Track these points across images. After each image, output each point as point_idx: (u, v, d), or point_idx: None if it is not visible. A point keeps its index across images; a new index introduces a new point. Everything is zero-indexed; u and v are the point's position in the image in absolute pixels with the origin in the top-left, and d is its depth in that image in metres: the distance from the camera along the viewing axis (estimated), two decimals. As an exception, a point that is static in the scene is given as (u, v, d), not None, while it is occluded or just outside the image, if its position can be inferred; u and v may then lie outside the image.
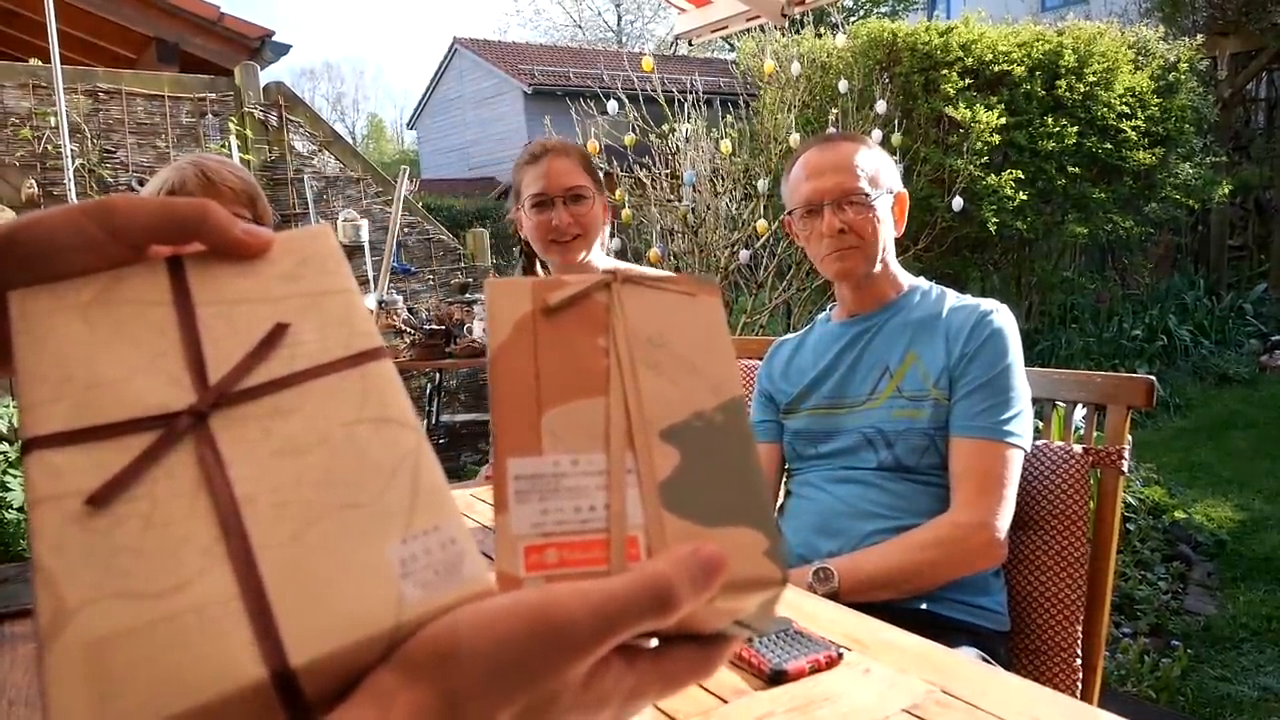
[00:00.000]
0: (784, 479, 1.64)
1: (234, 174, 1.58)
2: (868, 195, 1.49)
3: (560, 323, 0.39)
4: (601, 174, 1.93)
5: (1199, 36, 8.02)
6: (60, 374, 0.34)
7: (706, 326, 0.41)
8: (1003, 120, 6.13)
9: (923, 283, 1.58)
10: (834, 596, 1.33)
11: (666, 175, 4.67)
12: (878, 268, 1.53)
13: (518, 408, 0.37)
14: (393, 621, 0.31)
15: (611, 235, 3.30)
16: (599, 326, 0.40)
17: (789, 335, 1.74)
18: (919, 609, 1.35)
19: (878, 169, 1.53)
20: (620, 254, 4.68)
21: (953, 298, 1.53)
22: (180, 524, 0.31)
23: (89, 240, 0.36)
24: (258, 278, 0.38)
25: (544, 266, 1.92)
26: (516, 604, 0.31)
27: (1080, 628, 1.44)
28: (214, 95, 4.86)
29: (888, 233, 1.53)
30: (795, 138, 4.34)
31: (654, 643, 0.36)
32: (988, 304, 1.49)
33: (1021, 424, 1.40)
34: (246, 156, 4.83)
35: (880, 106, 4.56)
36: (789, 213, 1.59)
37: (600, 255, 1.90)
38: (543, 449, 0.37)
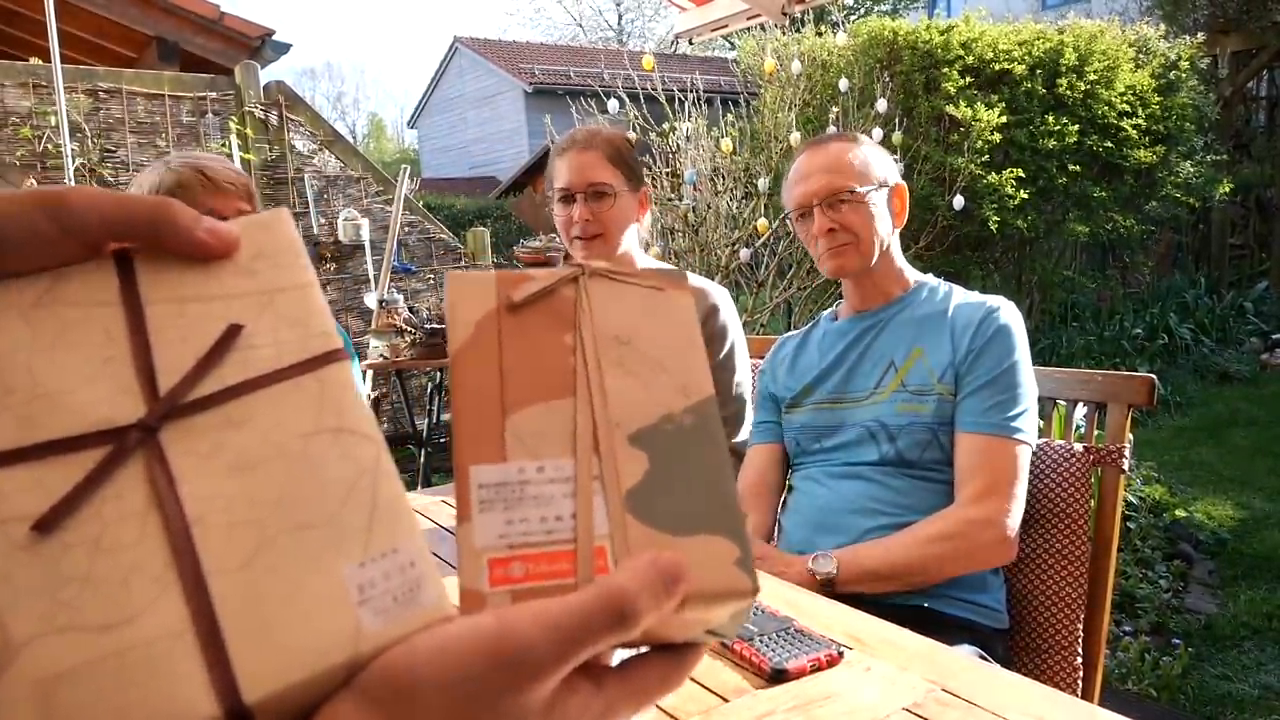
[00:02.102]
0: (788, 475, 1.64)
1: (232, 170, 1.60)
2: (855, 192, 1.49)
3: (525, 319, 0.38)
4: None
5: (1200, 35, 8.02)
6: (1, 385, 0.31)
7: (677, 324, 0.39)
8: (1003, 119, 6.12)
9: (930, 279, 1.58)
10: (830, 583, 1.33)
11: (667, 174, 4.67)
12: (877, 263, 1.53)
13: (480, 412, 0.36)
14: (350, 653, 0.30)
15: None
16: (566, 323, 0.38)
17: (792, 332, 1.74)
18: (918, 606, 1.36)
19: (868, 164, 1.52)
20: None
21: (959, 294, 1.53)
22: (130, 550, 0.30)
23: (39, 235, 0.33)
24: (210, 272, 0.35)
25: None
26: (474, 631, 0.30)
27: (1081, 626, 1.44)
28: (214, 94, 4.86)
29: (885, 227, 1.52)
30: (796, 136, 4.34)
31: (620, 656, 0.35)
32: (994, 300, 1.49)
33: (1028, 421, 1.40)
34: (247, 156, 4.83)
35: (881, 105, 4.55)
36: (786, 216, 1.61)
37: (638, 251, 1.81)
38: (507, 455, 0.35)
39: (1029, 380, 1.43)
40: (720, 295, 1.77)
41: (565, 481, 0.35)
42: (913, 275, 1.59)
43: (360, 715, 0.29)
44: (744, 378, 1.78)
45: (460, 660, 0.30)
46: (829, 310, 1.68)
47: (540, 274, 0.39)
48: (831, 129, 4.45)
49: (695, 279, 1.80)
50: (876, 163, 1.54)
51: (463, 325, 0.38)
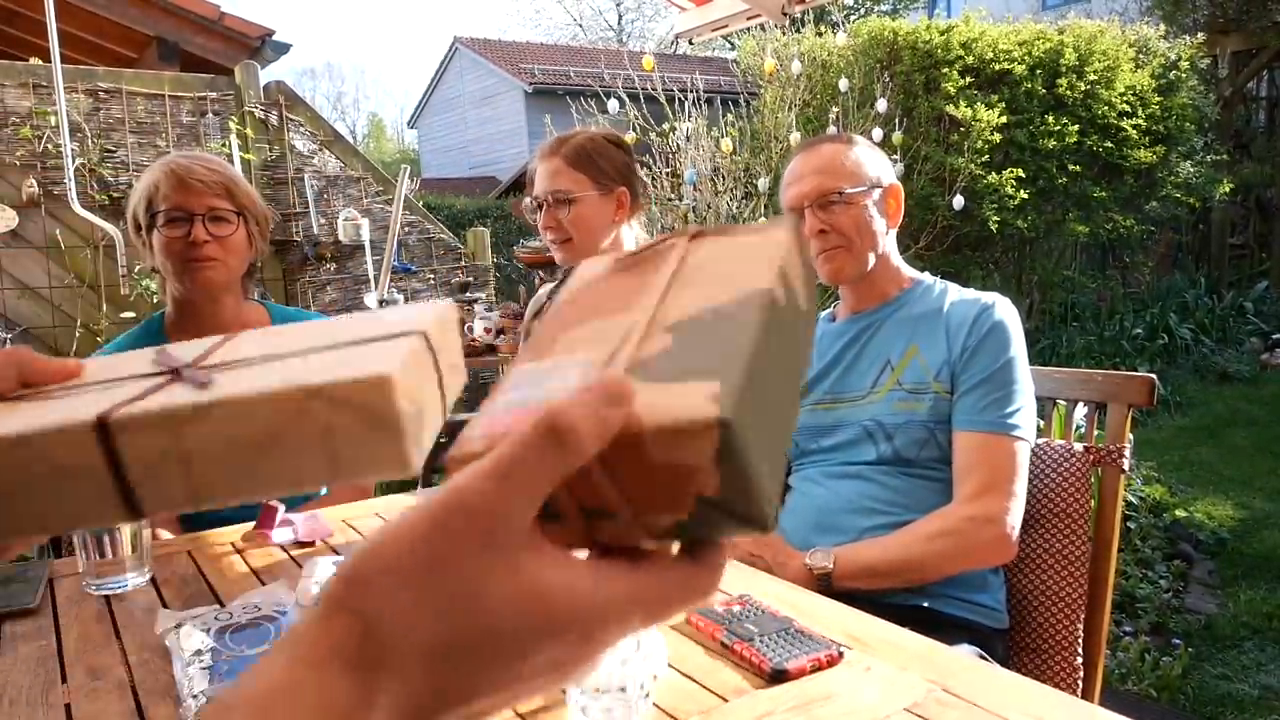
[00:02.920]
0: (787, 477, 1.64)
1: (205, 167, 1.60)
2: (845, 194, 1.49)
3: (626, 275, 0.41)
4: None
5: (1200, 35, 8.02)
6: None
7: (760, 252, 0.39)
8: (1003, 119, 6.12)
9: (925, 277, 1.58)
10: (827, 578, 1.33)
11: (667, 174, 4.67)
12: (873, 264, 1.53)
13: (547, 336, 0.38)
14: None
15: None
16: (659, 268, 0.40)
17: None
18: (918, 606, 1.35)
19: (860, 165, 1.51)
20: (621, 253, 4.67)
21: (955, 292, 1.52)
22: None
23: None
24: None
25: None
26: (418, 508, 0.29)
27: (1081, 626, 1.44)
28: (214, 94, 4.86)
29: (878, 228, 1.52)
30: (796, 136, 4.34)
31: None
32: (989, 297, 1.48)
33: (1025, 417, 1.40)
34: (247, 156, 4.83)
35: (881, 105, 4.55)
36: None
37: (628, 248, 1.84)
38: (546, 355, 0.36)
39: (1025, 377, 1.43)
40: None
41: (586, 365, 0.34)
42: (909, 274, 1.59)
43: (320, 618, 0.29)
44: None
45: (406, 536, 0.29)
46: (827, 311, 1.68)
47: (651, 240, 0.43)
48: (831, 129, 4.45)
49: None
50: (870, 164, 1.53)
51: (569, 287, 0.42)
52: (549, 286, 1.97)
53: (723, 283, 0.37)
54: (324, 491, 1.76)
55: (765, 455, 0.32)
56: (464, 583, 0.29)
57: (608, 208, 1.78)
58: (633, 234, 1.85)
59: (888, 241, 1.55)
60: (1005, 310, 1.46)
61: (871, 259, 1.53)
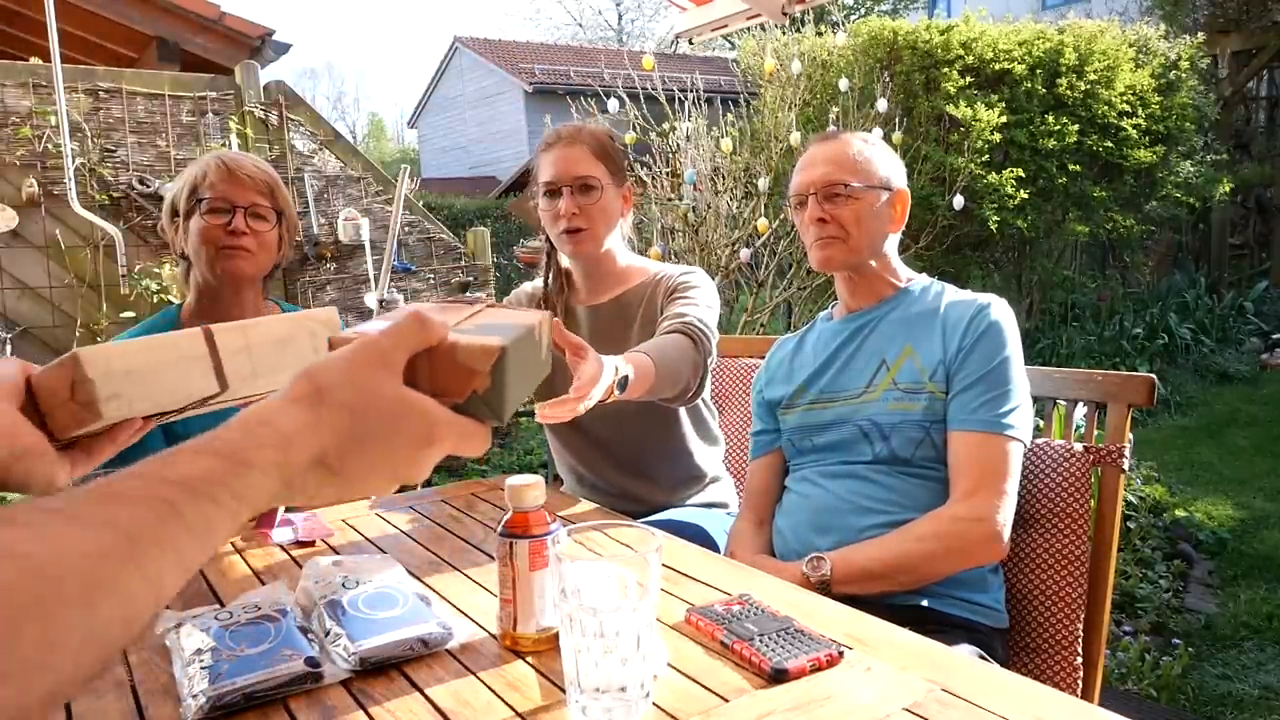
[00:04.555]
0: (785, 477, 1.64)
1: (253, 164, 1.67)
2: (850, 186, 1.49)
3: (455, 304, 0.75)
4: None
5: (1200, 34, 8.01)
6: None
7: (532, 316, 0.72)
8: (1003, 118, 6.12)
9: (923, 278, 1.58)
10: (826, 584, 1.33)
11: (667, 174, 4.66)
12: (871, 262, 1.53)
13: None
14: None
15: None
16: (472, 305, 0.75)
17: (788, 335, 1.74)
18: (918, 606, 1.35)
19: (871, 163, 1.52)
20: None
21: (951, 293, 1.53)
22: None
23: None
24: None
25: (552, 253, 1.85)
26: (348, 345, 0.59)
27: (1081, 626, 1.44)
28: (214, 94, 4.86)
29: (878, 228, 1.52)
30: (796, 136, 4.34)
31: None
32: (985, 298, 1.48)
33: (1020, 417, 1.40)
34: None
35: (881, 105, 4.55)
36: (786, 214, 1.61)
37: (620, 248, 1.81)
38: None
39: (1020, 376, 1.43)
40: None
41: None
42: (906, 275, 1.59)
43: (294, 385, 0.56)
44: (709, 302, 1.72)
45: (339, 355, 0.58)
46: (825, 311, 1.68)
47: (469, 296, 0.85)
48: (832, 129, 4.45)
49: (678, 267, 1.79)
50: (882, 164, 1.53)
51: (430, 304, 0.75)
52: (529, 285, 1.93)
53: (508, 317, 0.68)
54: None
55: (515, 382, 0.62)
56: (367, 379, 0.56)
57: (620, 201, 1.76)
58: (622, 230, 1.82)
59: (889, 244, 1.55)
60: (1001, 311, 1.46)
61: (868, 256, 1.53)
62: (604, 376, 1.26)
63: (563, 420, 1.23)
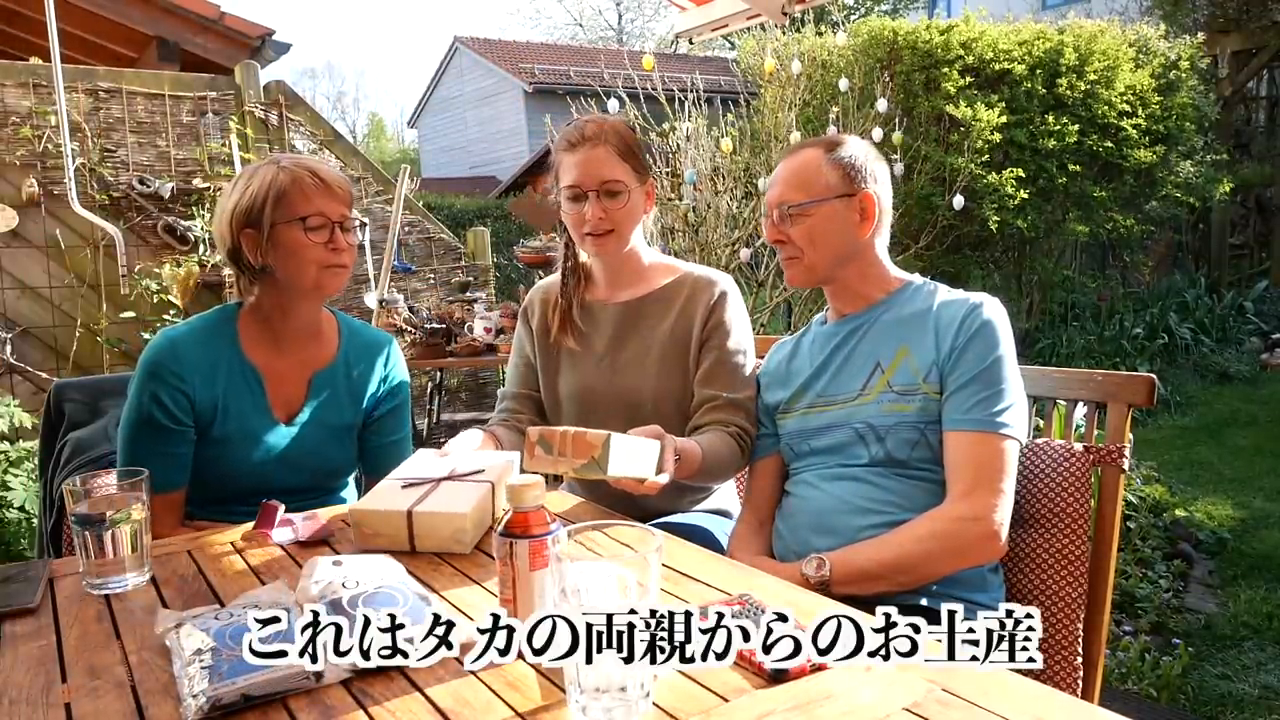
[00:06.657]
0: (784, 480, 1.64)
1: (339, 175, 1.64)
2: (800, 205, 1.49)
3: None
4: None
5: (1200, 34, 8.01)
6: None
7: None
8: (1003, 118, 6.11)
9: (916, 278, 1.58)
10: (825, 586, 1.33)
11: (667, 174, 4.66)
12: (844, 271, 1.54)
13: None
14: None
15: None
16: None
17: (785, 338, 1.74)
18: (918, 605, 1.35)
19: (825, 175, 1.50)
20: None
21: (944, 293, 1.52)
22: None
23: None
24: None
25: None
26: None
27: (1081, 626, 1.44)
28: (214, 94, 4.86)
29: (839, 238, 1.51)
30: (796, 136, 4.33)
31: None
32: (977, 297, 1.48)
33: (1015, 415, 1.39)
34: (247, 155, 4.83)
35: (881, 105, 4.55)
36: None
37: (643, 245, 1.77)
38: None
39: (1014, 375, 1.42)
40: (726, 283, 1.75)
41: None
42: (897, 275, 1.58)
43: None
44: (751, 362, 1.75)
45: None
46: (820, 315, 1.68)
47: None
48: (831, 129, 4.45)
49: (704, 269, 1.78)
50: (842, 172, 1.50)
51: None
52: (545, 280, 1.91)
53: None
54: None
55: (620, 459, 1.22)
56: None
57: (643, 199, 1.72)
58: (648, 226, 1.80)
59: (871, 248, 1.54)
60: (993, 310, 1.45)
61: (833, 268, 1.53)
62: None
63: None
